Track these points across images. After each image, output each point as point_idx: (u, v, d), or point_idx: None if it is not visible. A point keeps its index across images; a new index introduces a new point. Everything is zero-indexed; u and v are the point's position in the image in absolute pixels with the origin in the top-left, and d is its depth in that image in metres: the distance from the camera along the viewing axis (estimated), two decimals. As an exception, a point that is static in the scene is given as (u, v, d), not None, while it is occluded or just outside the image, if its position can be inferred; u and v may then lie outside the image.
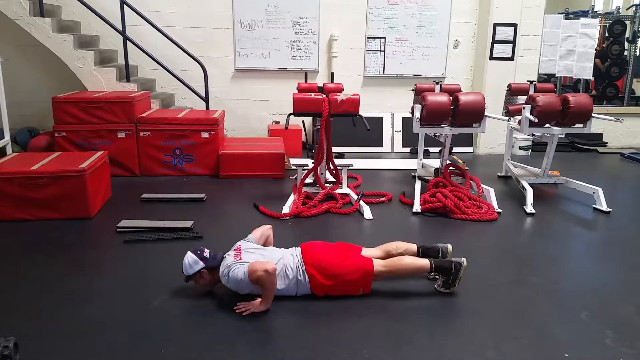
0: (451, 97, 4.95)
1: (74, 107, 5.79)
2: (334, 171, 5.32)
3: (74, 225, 4.45)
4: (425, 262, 3.31)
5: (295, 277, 3.19)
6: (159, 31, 6.59)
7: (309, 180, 5.23)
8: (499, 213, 4.88)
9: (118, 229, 4.31)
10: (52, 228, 4.38)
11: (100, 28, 6.76)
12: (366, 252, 3.42)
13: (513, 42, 7.29)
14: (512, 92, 5.99)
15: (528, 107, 5.05)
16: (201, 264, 3.18)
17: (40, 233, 4.28)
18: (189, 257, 3.20)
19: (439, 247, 3.58)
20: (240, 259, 3.16)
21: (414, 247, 3.53)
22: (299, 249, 3.37)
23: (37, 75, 7.00)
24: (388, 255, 3.42)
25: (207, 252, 3.24)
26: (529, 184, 5.29)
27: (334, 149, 5.73)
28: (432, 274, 3.40)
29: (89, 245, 4.18)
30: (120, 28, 6.45)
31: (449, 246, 3.60)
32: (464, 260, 3.30)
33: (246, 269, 3.02)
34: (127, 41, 6.50)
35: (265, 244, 3.54)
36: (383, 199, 5.25)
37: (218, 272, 3.18)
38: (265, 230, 3.61)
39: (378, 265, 3.26)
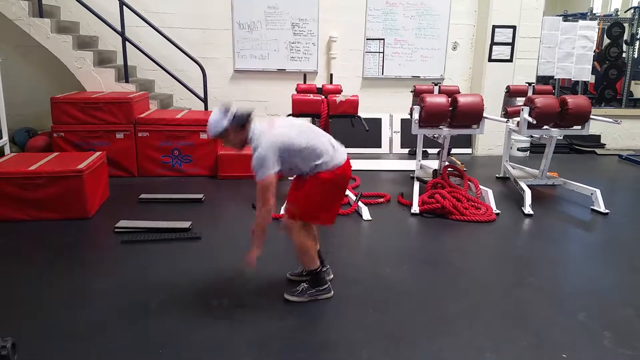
0: (450, 99, 4.96)
1: (73, 108, 5.79)
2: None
3: (72, 226, 4.45)
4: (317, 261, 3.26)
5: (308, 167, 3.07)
6: (158, 32, 6.58)
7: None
8: (497, 214, 4.88)
9: (116, 230, 4.31)
10: (50, 228, 4.38)
11: (99, 29, 6.76)
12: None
13: (512, 44, 7.30)
14: (511, 93, 5.99)
15: (526, 109, 5.06)
16: (226, 122, 2.97)
17: (38, 233, 4.28)
18: (214, 115, 3.01)
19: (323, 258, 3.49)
20: (275, 128, 3.01)
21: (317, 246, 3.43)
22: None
23: (36, 76, 7.00)
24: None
25: (233, 109, 3.00)
26: (527, 185, 5.30)
27: (333, 150, 5.72)
28: (303, 273, 3.39)
29: (87, 245, 4.18)
30: (119, 29, 6.44)
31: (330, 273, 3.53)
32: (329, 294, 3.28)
33: (263, 172, 2.90)
34: (126, 42, 6.50)
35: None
36: (381, 199, 5.25)
37: (246, 133, 3.01)
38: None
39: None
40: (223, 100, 3.01)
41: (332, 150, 3.12)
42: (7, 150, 5.63)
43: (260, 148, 2.93)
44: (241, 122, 3.00)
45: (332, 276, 3.49)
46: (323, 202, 3.15)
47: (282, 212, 4.75)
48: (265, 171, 2.91)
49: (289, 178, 3.25)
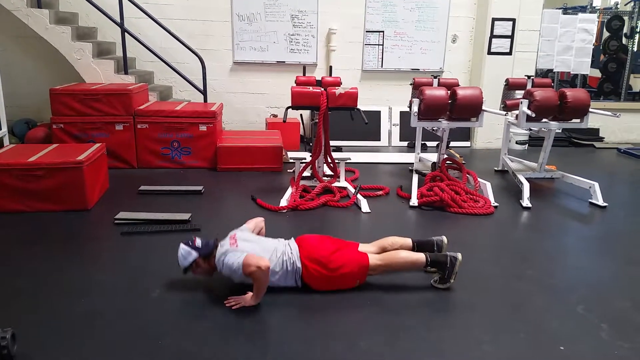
0: (449, 92, 4.96)
1: (72, 99, 5.77)
2: (331, 164, 5.34)
3: (72, 217, 4.45)
4: (420, 256, 3.32)
5: (286, 269, 3.20)
6: (157, 23, 6.56)
7: (306, 173, 5.24)
8: (495, 207, 4.90)
9: (116, 221, 4.31)
10: (49, 220, 4.38)
11: (99, 20, 6.73)
12: (362, 247, 3.43)
13: (511, 37, 7.28)
14: (510, 86, 5.99)
15: (525, 102, 5.06)
16: (194, 254, 3.18)
17: (37, 225, 4.28)
18: (181, 249, 3.20)
19: (434, 240, 3.58)
20: (237, 246, 3.17)
21: (409, 241, 3.53)
22: (293, 241, 3.37)
23: (35, 67, 6.98)
24: (384, 251, 3.43)
25: (198, 242, 3.24)
26: (526, 178, 5.30)
27: (332, 143, 5.73)
28: (428, 268, 3.41)
29: (87, 237, 4.18)
30: (118, 20, 6.42)
31: (444, 239, 3.60)
32: (459, 255, 3.31)
33: (241, 260, 3.02)
34: (126, 33, 6.48)
35: (258, 235, 3.55)
36: (380, 192, 5.26)
37: (214, 259, 3.18)
38: (258, 222, 3.63)
39: (374, 259, 3.27)
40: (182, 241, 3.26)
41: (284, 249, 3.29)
42: (6, 141, 5.63)
43: (231, 253, 3.09)
44: (208, 251, 3.21)
45: (443, 238, 3.61)
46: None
47: (281, 204, 4.78)
48: (237, 255, 3.06)
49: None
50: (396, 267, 3.31)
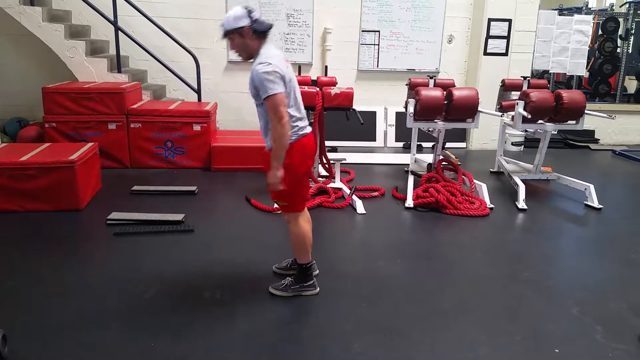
0: (445, 92, 4.94)
1: (65, 98, 5.72)
2: (326, 165, 5.31)
3: (64, 217, 4.41)
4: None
5: None
6: (151, 22, 6.51)
7: (301, 173, 5.21)
8: (491, 209, 4.88)
9: (108, 222, 4.27)
10: (41, 220, 4.34)
11: (92, 18, 6.68)
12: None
13: (507, 38, 7.28)
14: (506, 87, 5.99)
15: (521, 103, 5.05)
16: (247, 21, 2.81)
17: (29, 225, 4.24)
18: (237, 10, 2.83)
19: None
20: (286, 66, 2.88)
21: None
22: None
23: (27, 65, 6.91)
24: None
25: (257, 13, 2.86)
26: (521, 179, 5.30)
27: (327, 143, 5.70)
28: (291, 266, 3.37)
29: (79, 237, 4.14)
30: (112, 18, 6.37)
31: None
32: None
33: (274, 88, 2.73)
34: (119, 31, 6.43)
35: None
36: (376, 193, 5.24)
37: (258, 44, 2.85)
38: None
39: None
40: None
41: (304, 116, 3.08)
42: (-3, 140, 5.58)
43: (268, 65, 2.75)
44: (260, 30, 2.83)
45: (317, 271, 3.44)
46: (303, 176, 3.10)
47: (275, 205, 4.74)
48: (275, 86, 2.75)
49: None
50: (297, 232, 3.15)
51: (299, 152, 2.99)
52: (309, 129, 3.08)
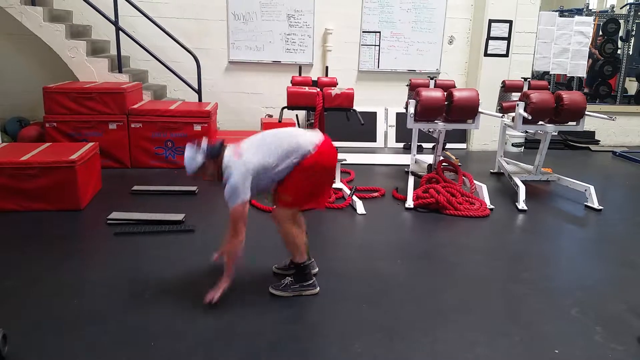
0: (445, 93, 4.94)
1: (65, 98, 5.72)
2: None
3: (64, 217, 4.41)
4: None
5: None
6: (152, 22, 6.52)
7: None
8: (491, 209, 4.88)
9: (108, 221, 4.27)
10: (42, 219, 4.34)
11: (93, 18, 6.68)
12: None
13: (508, 39, 7.28)
14: (506, 88, 5.99)
15: (522, 104, 5.06)
16: (201, 156, 3.04)
17: (29, 224, 4.24)
18: (188, 152, 3.05)
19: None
20: (240, 156, 3.01)
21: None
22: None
23: (28, 65, 6.91)
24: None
25: (204, 143, 3.09)
26: (522, 180, 5.30)
27: (328, 144, 5.70)
28: (290, 266, 3.38)
29: (80, 237, 4.15)
30: (113, 18, 6.37)
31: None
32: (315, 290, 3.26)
33: (236, 193, 2.90)
34: (120, 32, 6.44)
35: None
36: (376, 194, 5.24)
37: (221, 161, 3.04)
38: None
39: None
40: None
41: (301, 139, 3.09)
42: (-2, 140, 5.58)
43: (231, 178, 2.94)
44: (215, 153, 3.06)
45: (317, 269, 3.46)
46: (312, 187, 3.12)
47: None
48: (236, 199, 2.93)
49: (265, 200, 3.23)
50: (284, 230, 3.19)
51: (308, 170, 3.06)
52: (309, 146, 3.06)
